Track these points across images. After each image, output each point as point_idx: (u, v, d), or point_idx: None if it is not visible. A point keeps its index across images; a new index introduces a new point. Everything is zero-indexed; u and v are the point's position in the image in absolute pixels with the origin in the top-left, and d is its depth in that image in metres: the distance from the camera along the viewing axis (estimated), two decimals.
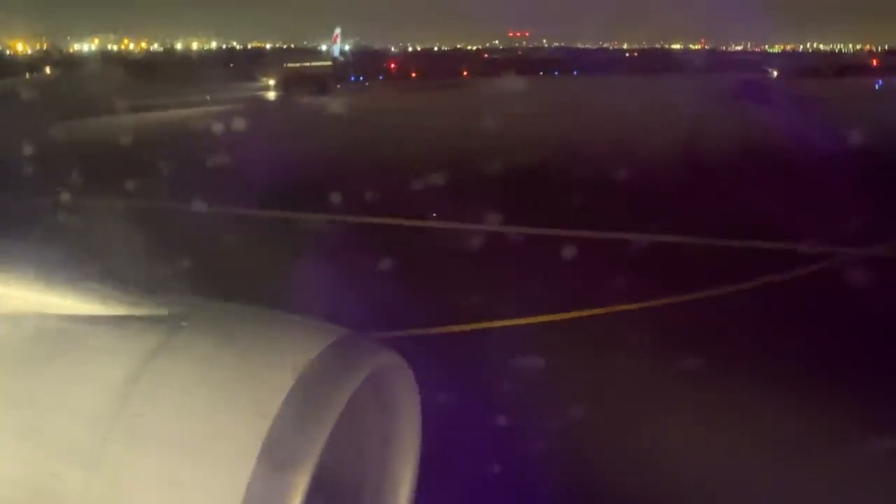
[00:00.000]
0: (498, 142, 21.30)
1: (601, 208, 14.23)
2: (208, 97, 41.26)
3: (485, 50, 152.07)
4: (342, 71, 58.58)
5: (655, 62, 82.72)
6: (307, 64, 58.89)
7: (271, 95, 47.73)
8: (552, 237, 13.12)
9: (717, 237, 12.91)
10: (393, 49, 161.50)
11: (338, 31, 65.40)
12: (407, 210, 14.34)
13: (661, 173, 17.67)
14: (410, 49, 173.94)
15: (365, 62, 68.64)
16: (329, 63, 60.73)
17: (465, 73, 67.38)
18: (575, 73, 71.91)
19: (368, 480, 1.61)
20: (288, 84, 49.13)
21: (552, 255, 11.07)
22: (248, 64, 62.34)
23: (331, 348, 1.37)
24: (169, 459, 1.25)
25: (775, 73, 67.66)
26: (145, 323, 1.45)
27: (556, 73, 72.05)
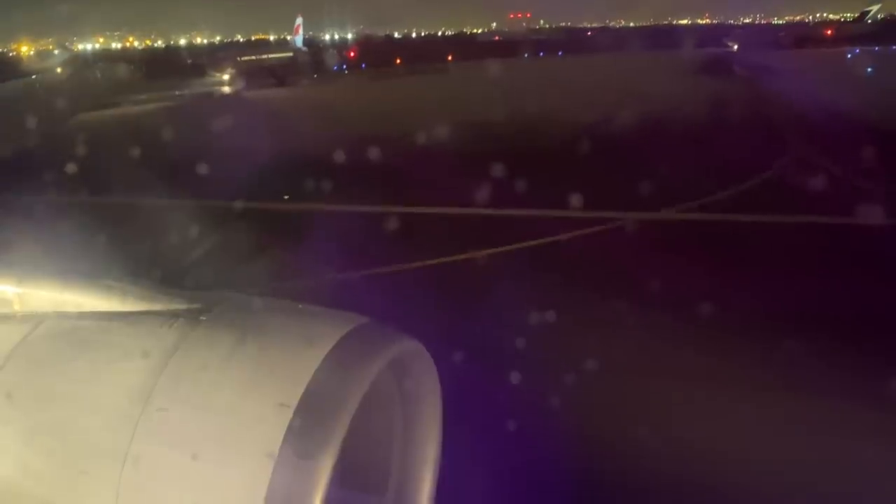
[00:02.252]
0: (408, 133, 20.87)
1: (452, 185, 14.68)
2: (156, 95, 39.61)
3: (481, 34, 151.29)
4: (304, 62, 55.62)
5: (639, 39, 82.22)
6: (265, 56, 57.40)
7: (224, 90, 45.69)
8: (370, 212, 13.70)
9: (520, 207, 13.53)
10: (396, 35, 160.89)
11: (299, 21, 63.41)
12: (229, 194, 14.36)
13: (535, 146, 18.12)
14: (414, 35, 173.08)
15: (330, 52, 67.14)
16: (289, 55, 58.51)
17: (449, 57, 67.30)
18: (560, 53, 72.40)
19: (392, 465, 1.63)
20: (242, 78, 47.51)
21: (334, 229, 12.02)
22: (206, 59, 60.71)
23: (350, 336, 1.38)
24: (194, 452, 1.27)
25: (735, 47, 68.98)
26: (165, 318, 1.46)
27: (541, 53, 72.34)
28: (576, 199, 12.39)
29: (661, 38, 79.15)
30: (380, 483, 1.61)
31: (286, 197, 15.21)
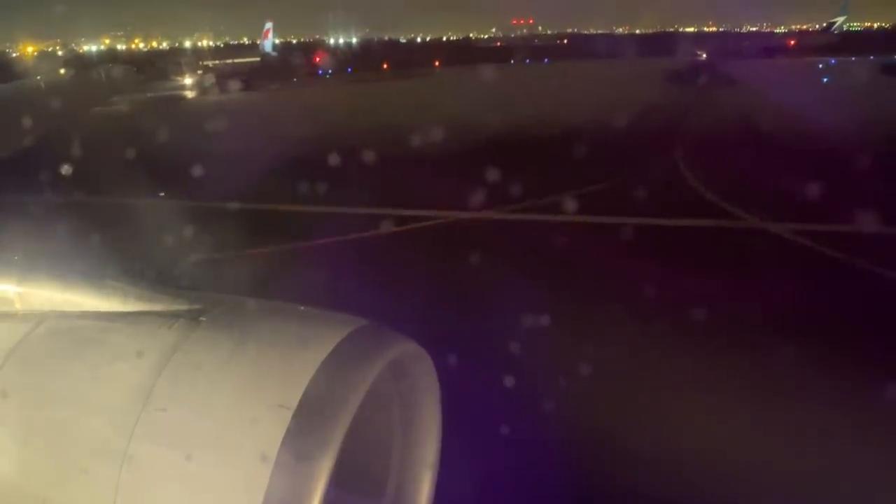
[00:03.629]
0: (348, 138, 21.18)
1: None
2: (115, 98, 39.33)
3: (480, 40, 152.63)
4: (273, 67, 56.51)
5: (632, 46, 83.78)
6: (230, 61, 57.76)
7: (186, 94, 44.90)
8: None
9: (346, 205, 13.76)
10: (402, 40, 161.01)
11: (268, 25, 63.12)
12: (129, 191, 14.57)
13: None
14: (419, 39, 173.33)
15: (298, 56, 67.14)
16: (257, 59, 59.59)
17: (437, 63, 67.75)
18: (546, 60, 72.95)
19: (392, 467, 1.63)
20: (205, 81, 47.22)
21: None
22: (170, 63, 60.50)
23: (350, 338, 1.38)
24: (193, 452, 1.27)
25: (704, 56, 69.50)
26: (164, 319, 1.46)
27: (528, 60, 72.87)
28: (409, 199, 12.98)
29: (654, 44, 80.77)
30: (379, 485, 1.61)
31: (161, 194, 15.24)
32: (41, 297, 1.57)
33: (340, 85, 50.96)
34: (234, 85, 44.85)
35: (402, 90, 43.62)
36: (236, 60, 58.39)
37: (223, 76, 48.64)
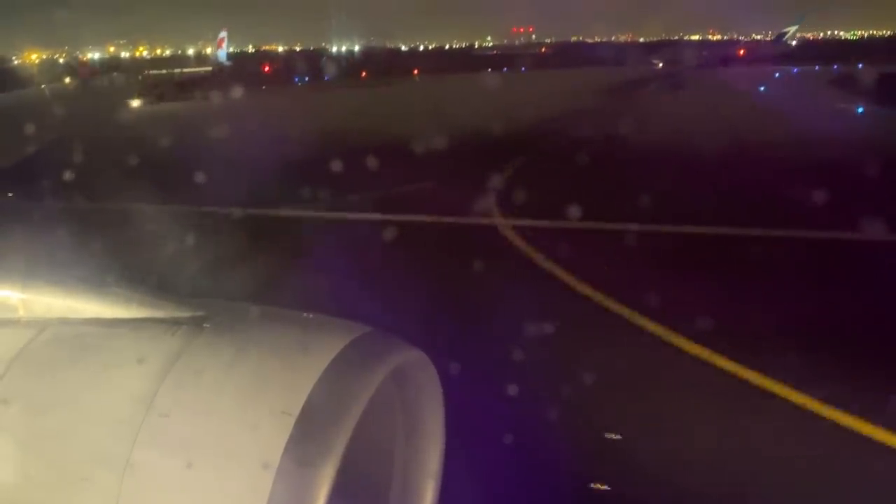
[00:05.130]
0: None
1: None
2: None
3: (477, 48, 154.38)
4: (225, 76, 55.17)
5: (602, 56, 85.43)
6: (177, 71, 57.49)
7: (132, 103, 43.16)
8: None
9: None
10: (403, 48, 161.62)
11: (223, 34, 63.07)
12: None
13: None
14: (422, 48, 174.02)
15: (248, 66, 69.08)
16: (208, 69, 59.43)
17: (415, 71, 69.55)
18: (523, 69, 73.95)
19: (395, 474, 1.62)
20: (149, 91, 46.10)
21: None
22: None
23: (353, 345, 1.38)
24: (195, 459, 1.26)
25: (660, 65, 71.99)
26: (168, 325, 1.46)
27: (505, 69, 73.12)
28: (245, 197, 13.47)
29: (642, 53, 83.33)
30: (381, 493, 1.61)
31: (10, 194, 15.30)
32: (44, 304, 1.57)
33: (299, 93, 51.73)
34: (178, 94, 44.77)
35: (348, 98, 44.76)
36: (185, 70, 58.42)
37: (169, 87, 48.54)
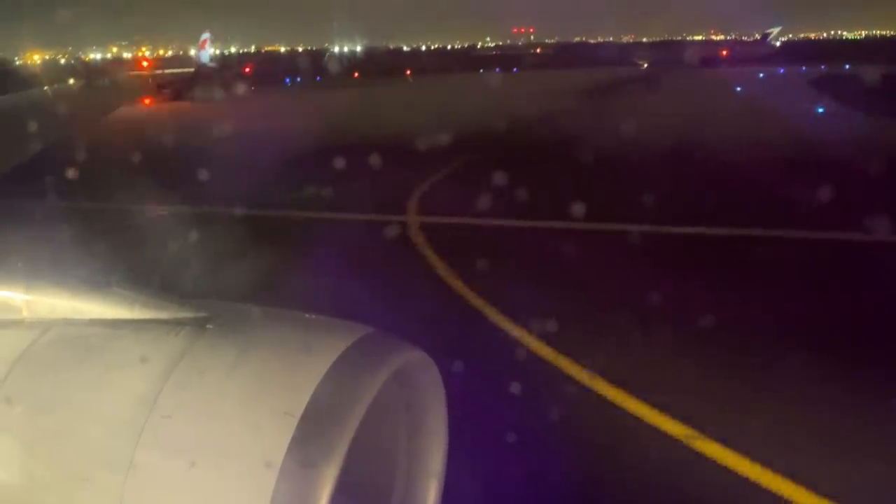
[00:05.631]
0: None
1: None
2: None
3: (478, 48, 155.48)
4: (210, 77, 53.40)
5: (593, 56, 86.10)
6: (158, 72, 57.81)
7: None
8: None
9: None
10: (405, 48, 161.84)
11: (206, 36, 63.75)
12: None
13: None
14: (424, 48, 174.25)
15: (233, 67, 69.15)
16: (191, 70, 59.49)
17: (408, 72, 70.41)
18: (515, 70, 74.45)
19: (397, 476, 1.62)
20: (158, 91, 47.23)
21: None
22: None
23: (355, 346, 1.38)
24: (198, 459, 1.26)
25: (644, 66, 72.60)
26: (171, 326, 1.47)
27: (497, 70, 73.74)
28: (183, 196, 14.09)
29: (637, 53, 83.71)
30: (384, 494, 1.61)
31: None
32: (48, 305, 1.58)
33: (283, 93, 52.61)
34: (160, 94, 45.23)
35: (330, 98, 45.69)
36: (166, 72, 58.89)
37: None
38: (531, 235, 12.18)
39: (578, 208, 11.54)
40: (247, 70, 67.08)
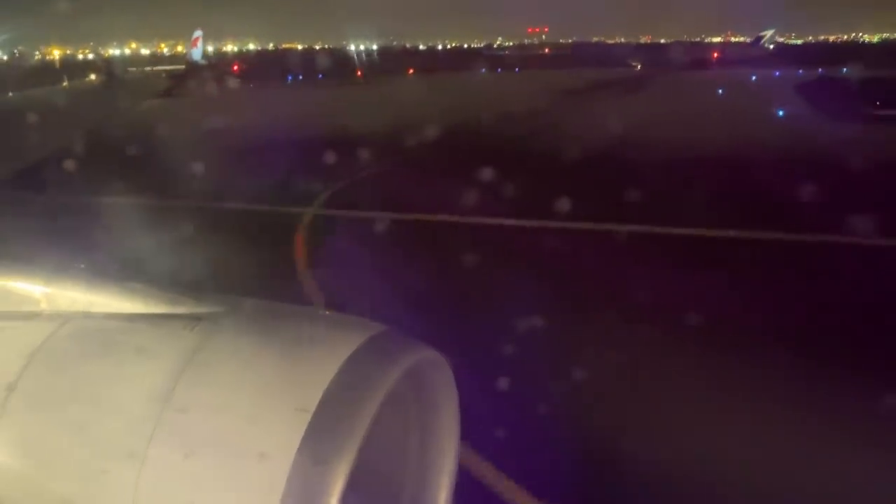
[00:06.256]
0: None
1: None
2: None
3: (484, 48, 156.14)
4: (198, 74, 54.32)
5: (596, 57, 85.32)
6: (149, 68, 58.50)
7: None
8: None
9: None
10: (422, 47, 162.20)
11: (198, 33, 64.47)
12: None
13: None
14: (440, 47, 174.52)
15: (223, 65, 70.77)
16: (181, 67, 58.12)
17: (410, 70, 70.87)
18: (516, 69, 75.60)
19: (408, 474, 1.62)
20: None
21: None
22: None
23: (369, 344, 1.39)
24: (211, 454, 1.28)
25: (638, 67, 72.91)
26: (186, 321, 1.48)
27: (498, 70, 75.77)
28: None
29: (645, 53, 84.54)
30: (395, 491, 1.61)
31: None
32: (66, 298, 1.60)
33: (276, 90, 53.42)
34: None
35: (322, 96, 47.14)
36: (157, 68, 59.66)
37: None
38: (421, 228, 13.20)
39: (460, 202, 12.65)
40: (234, 68, 68.02)
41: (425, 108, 34.04)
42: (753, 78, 55.23)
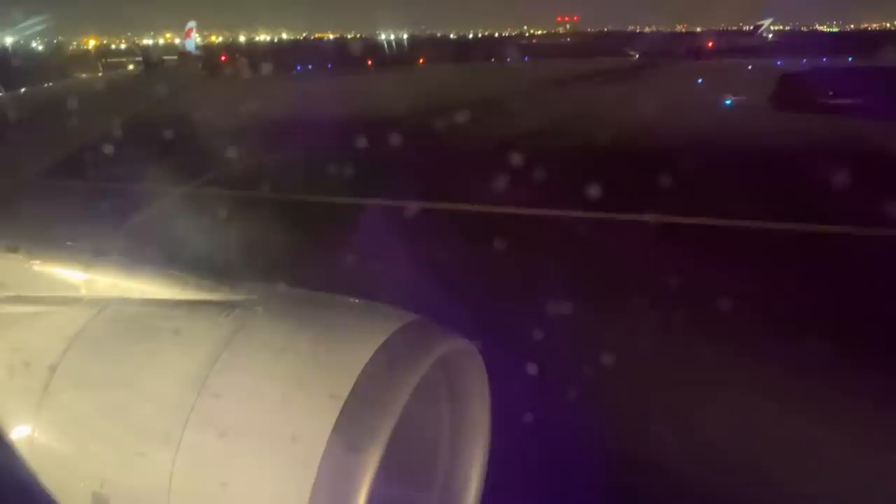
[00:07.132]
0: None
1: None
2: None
3: (507, 37, 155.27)
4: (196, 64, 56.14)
5: (611, 46, 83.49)
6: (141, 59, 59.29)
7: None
8: None
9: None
10: (452, 36, 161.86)
11: (191, 24, 64.71)
12: None
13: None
14: (471, 36, 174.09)
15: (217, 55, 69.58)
16: (174, 57, 60.15)
17: (420, 60, 70.80)
18: (525, 58, 74.12)
19: (439, 462, 1.63)
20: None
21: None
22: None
23: (401, 332, 1.39)
24: (244, 439, 1.30)
25: (636, 56, 71.89)
26: (222, 308, 1.50)
27: (508, 59, 74.48)
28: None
29: (661, 42, 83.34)
30: (427, 479, 1.62)
31: None
32: (106, 284, 1.62)
33: (280, 80, 52.61)
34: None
35: (319, 85, 46.20)
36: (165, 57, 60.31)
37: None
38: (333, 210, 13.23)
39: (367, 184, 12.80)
40: (223, 58, 68.74)
41: (428, 96, 33.25)
42: (749, 67, 53.28)
